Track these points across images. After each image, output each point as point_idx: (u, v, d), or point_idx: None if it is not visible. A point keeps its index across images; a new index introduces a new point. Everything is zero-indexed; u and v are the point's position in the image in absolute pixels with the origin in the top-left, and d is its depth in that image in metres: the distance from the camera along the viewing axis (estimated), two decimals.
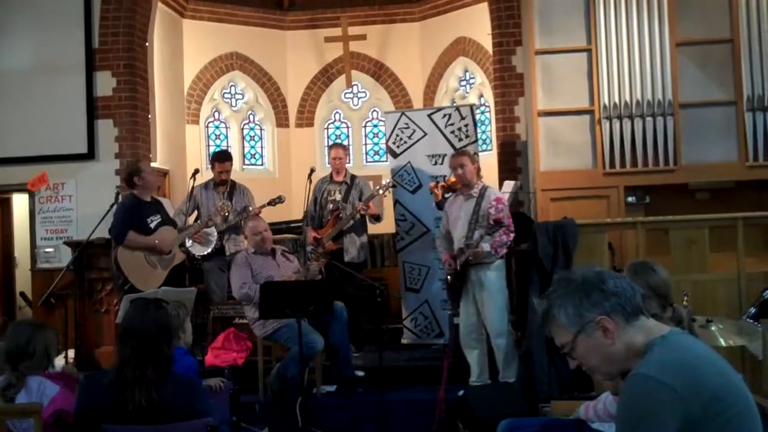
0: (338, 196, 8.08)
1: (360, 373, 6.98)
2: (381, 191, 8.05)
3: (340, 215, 7.94)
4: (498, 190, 6.53)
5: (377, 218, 8.08)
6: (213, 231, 7.81)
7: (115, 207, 7.03)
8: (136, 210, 6.93)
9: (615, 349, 2.33)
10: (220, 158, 8.20)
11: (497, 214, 6.26)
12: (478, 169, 7.54)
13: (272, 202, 7.96)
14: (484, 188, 6.49)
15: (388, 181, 8.26)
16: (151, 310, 3.47)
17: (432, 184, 7.71)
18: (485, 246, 6.24)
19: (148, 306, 3.50)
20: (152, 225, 6.94)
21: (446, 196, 7.52)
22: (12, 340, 3.75)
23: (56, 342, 4.03)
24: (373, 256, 9.27)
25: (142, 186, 6.95)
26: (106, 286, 7.93)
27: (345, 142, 11.85)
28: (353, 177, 8.24)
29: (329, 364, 6.97)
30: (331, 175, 8.23)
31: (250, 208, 7.86)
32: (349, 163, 9.30)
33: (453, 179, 7.57)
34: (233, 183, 8.18)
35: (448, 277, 6.60)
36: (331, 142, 11.56)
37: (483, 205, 6.35)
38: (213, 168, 8.19)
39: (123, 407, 3.25)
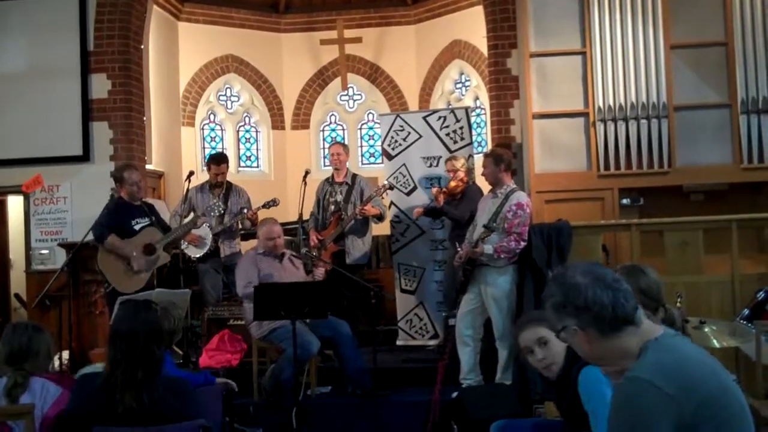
0: (339, 197, 8.04)
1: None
2: (376, 194, 7.98)
3: (342, 216, 7.92)
4: (525, 195, 6.46)
5: (380, 218, 8.03)
6: (208, 233, 7.79)
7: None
8: (120, 211, 6.90)
9: (593, 354, 2.40)
10: (216, 161, 8.19)
11: (512, 219, 6.23)
12: (468, 170, 7.55)
13: (267, 205, 7.93)
14: (512, 191, 6.40)
15: (385, 183, 8.21)
16: (141, 312, 3.46)
17: (435, 189, 7.60)
18: (486, 248, 6.20)
19: (138, 308, 3.49)
20: (137, 227, 6.89)
21: (445, 201, 7.49)
22: (13, 340, 3.72)
23: (53, 344, 4.02)
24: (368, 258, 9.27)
25: (125, 193, 6.99)
26: (101, 288, 7.87)
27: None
28: (354, 176, 8.18)
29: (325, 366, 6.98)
30: (332, 176, 8.21)
31: (245, 211, 7.85)
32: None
33: (453, 184, 7.54)
34: (229, 184, 8.18)
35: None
36: (331, 141, 11.55)
37: (504, 207, 6.30)
38: (209, 170, 8.18)
39: (114, 409, 3.25)
